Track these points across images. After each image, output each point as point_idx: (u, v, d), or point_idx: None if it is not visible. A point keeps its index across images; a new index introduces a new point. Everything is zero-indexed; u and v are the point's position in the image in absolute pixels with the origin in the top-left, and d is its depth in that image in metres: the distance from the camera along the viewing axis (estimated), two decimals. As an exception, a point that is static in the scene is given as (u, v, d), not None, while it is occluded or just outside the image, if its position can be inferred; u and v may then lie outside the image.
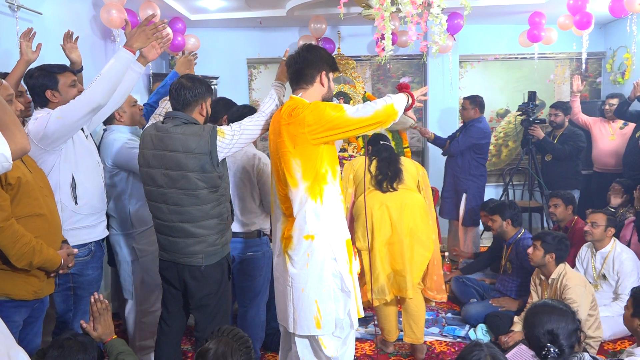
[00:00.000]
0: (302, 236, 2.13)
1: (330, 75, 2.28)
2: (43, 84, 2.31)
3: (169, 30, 2.61)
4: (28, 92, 2.47)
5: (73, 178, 2.36)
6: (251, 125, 2.31)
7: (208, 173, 2.23)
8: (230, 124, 2.34)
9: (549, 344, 1.94)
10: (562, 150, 4.69)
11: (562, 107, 4.86)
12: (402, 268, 3.00)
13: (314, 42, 5.00)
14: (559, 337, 1.94)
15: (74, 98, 2.36)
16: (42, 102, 2.35)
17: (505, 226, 3.67)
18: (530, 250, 3.19)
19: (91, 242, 2.47)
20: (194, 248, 2.29)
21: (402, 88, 2.36)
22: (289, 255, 2.17)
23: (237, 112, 2.84)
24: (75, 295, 2.42)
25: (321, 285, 2.15)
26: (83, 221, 2.42)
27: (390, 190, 3.05)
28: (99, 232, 2.54)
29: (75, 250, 2.24)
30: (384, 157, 3.14)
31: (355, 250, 3.10)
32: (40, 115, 2.28)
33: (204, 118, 2.36)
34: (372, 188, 3.07)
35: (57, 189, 2.32)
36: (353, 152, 5.05)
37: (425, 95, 2.43)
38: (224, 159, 2.31)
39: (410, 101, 2.28)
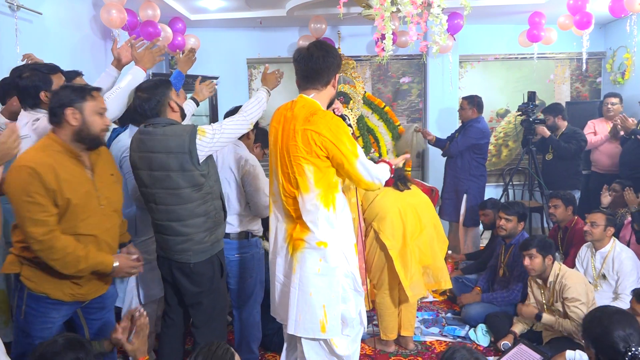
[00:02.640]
0: (314, 242, 2.13)
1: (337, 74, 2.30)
2: (37, 86, 2.27)
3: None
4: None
5: None
6: (232, 125, 2.35)
7: (188, 172, 2.25)
8: (212, 123, 2.38)
9: (633, 345, 1.81)
10: (568, 148, 4.68)
11: (551, 110, 4.89)
12: (433, 262, 3.09)
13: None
14: (631, 341, 1.83)
15: None
16: (34, 103, 2.29)
17: (518, 227, 3.71)
18: (526, 261, 3.09)
19: None
20: (182, 246, 2.33)
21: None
22: (298, 258, 2.16)
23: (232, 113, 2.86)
24: None
25: (330, 291, 2.16)
26: None
27: (406, 189, 3.11)
28: None
29: (135, 255, 2.24)
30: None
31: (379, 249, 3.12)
32: (42, 115, 2.26)
33: (178, 113, 2.37)
34: (388, 188, 3.10)
35: None
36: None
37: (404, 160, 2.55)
38: (210, 158, 2.34)
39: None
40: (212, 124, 2.35)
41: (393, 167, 2.39)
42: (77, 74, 2.77)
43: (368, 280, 3.25)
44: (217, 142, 2.29)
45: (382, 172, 2.27)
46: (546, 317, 3.03)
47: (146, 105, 2.27)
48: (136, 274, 2.26)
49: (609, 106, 4.79)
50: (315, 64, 2.16)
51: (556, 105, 5.02)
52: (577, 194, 4.68)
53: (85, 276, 2.07)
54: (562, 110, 4.94)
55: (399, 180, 3.12)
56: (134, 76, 2.48)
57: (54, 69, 2.35)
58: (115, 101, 2.41)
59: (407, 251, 3.01)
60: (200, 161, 2.25)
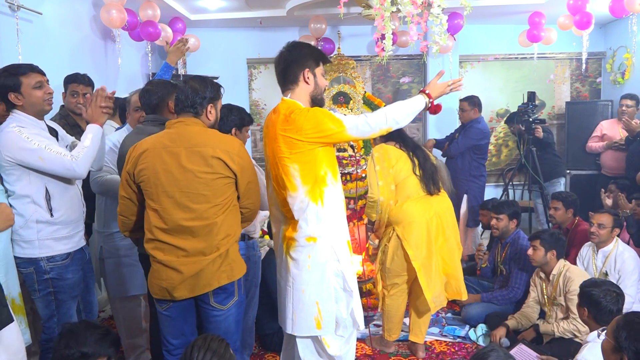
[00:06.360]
0: (304, 238, 2.14)
1: (317, 70, 2.21)
2: (5, 86, 2.21)
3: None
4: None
5: (47, 190, 2.29)
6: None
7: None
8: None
9: None
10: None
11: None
12: (454, 271, 3.02)
13: (311, 42, 5.00)
14: None
15: (40, 99, 2.29)
16: (8, 105, 2.26)
17: (510, 225, 3.70)
18: (530, 251, 3.18)
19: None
20: None
21: (435, 109, 2.35)
22: (291, 256, 2.17)
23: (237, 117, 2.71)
24: (56, 300, 2.38)
25: (322, 287, 2.16)
26: (60, 232, 2.36)
27: (437, 193, 3.00)
28: (76, 241, 2.45)
29: None
30: (421, 155, 3.04)
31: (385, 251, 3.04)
32: (13, 128, 2.21)
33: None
34: (422, 193, 2.97)
35: (30, 202, 2.26)
36: (354, 152, 5.04)
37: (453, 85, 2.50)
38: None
39: (428, 104, 2.31)
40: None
41: (431, 95, 2.31)
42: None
43: (379, 277, 3.11)
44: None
45: (392, 122, 2.17)
46: (543, 327, 3.07)
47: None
48: None
49: (624, 108, 4.72)
50: (279, 65, 2.21)
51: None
52: (562, 181, 4.88)
53: None
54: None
55: (432, 182, 2.97)
56: (94, 133, 2.37)
57: (27, 68, 2.28)
58: (85, 160, 2.31)
59: (431, 262, 2.92)
60: None
